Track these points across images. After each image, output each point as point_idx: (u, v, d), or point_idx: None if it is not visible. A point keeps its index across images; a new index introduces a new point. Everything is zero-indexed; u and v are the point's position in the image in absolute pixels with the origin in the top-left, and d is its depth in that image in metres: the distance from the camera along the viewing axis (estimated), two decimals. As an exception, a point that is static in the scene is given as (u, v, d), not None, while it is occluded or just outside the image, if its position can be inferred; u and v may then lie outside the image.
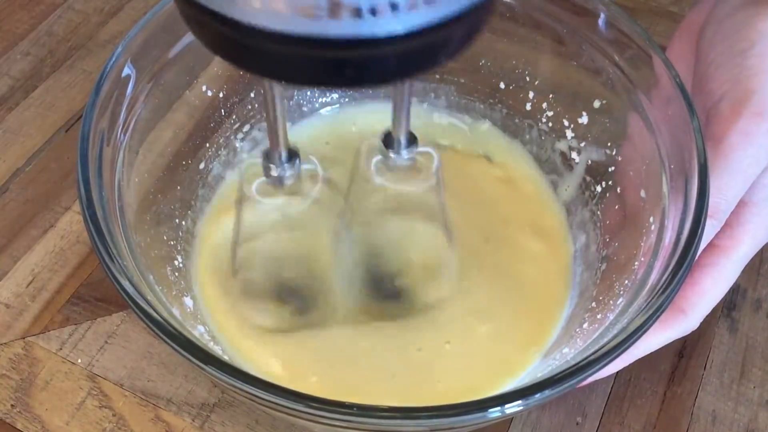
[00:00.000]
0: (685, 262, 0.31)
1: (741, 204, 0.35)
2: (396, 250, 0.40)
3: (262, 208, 0.36)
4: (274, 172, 0.34)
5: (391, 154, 0.34)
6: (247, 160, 0.36)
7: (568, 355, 0.34)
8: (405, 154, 0.34)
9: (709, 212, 0.33)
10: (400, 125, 0.33)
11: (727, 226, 0.35)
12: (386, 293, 0.40)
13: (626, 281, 0.35)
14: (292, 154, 0.34)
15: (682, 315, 0.35)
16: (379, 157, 0.35)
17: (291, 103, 0.47)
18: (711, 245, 0.35)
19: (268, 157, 0.33)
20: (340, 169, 0.40)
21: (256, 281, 0.40)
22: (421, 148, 0.34)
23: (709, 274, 0.35)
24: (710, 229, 0.34)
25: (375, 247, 0.40)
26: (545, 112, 0.44)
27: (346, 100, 0.48)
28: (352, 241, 0.39)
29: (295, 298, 0.40)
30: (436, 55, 0.23)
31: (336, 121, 0.48)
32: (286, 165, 0.33)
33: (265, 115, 0.30)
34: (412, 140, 0.34)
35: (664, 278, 0.31)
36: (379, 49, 0.21)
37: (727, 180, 0.34)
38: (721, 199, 0.34)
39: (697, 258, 0.34)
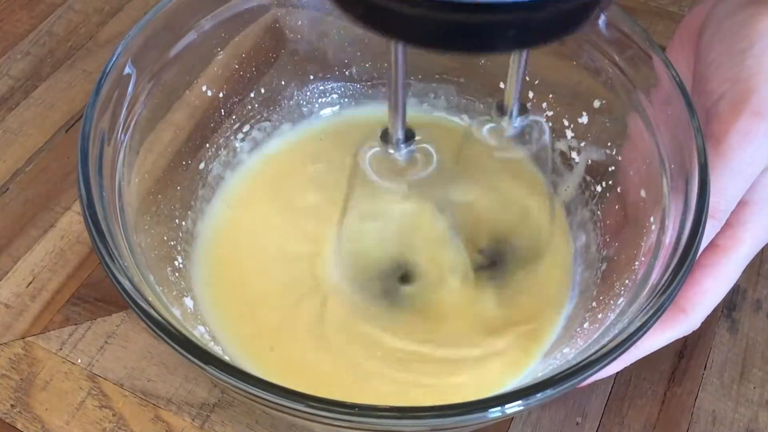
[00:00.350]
0: (685, 262, 0.31)
1: (741, 204, 0.35)
2: (497, 224, 0.42)
3: (373, 186, 0.36)
4: (392, 151, 0.34)
5: (502, 123, 0.35)
6: (363, 141, 0.36)
7: (569, 354, 0.34)
8: (516, 122, 0.35)
9: (708, 212, 0.33)
10: (513, 93, 0.34)
11: (728, 226, 0.35)
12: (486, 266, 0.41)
13: (627, 281, 0.35)
14: (409, 135, 0.34)
15: (683, 315, 0.35)
16: (492, 125, 0.36)
17: (291, 103, 0.47)
18: (712, 245, 0.35)
19: (385, 136, 0.34)
20: (328, 166, 0.42)
21: (362, 256, 0.41)
22: (532, 117, 0.36)
23: (710, 274, 0.35)
24: (710, 229, 0.34)
25: (476, 221, 0.42)
26: (545, 111, 0.44)
27: (346, 101, 0.48)
28: (455, 217, 0.41)
29: (398, 277, 0.41)
30: (584, 17, 0.23)
31: (334, 122, 0.48)
32: (402, 145, 0.34)
33: (389, 91, 0.31)
34: (522, 110, 0.35)
35: (664, 278, 0.31)
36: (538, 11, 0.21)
37: (726, 180, 0.34)
38: (721, 198, 0.34)
39: (698, 258, 0.34)
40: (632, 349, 0.33)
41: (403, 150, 0.34)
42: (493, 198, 0.42)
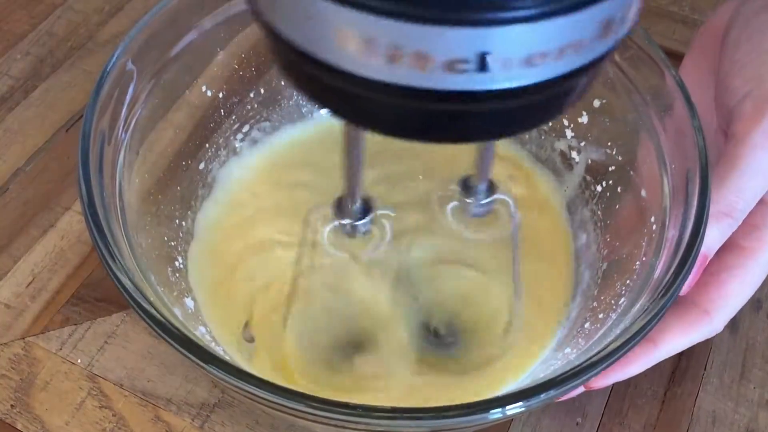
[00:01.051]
0: (687, 261, 0.31)
1: (766, 204, 0.35)
2: (458, 303, 0.40)
3: (326, 256, 0.34)
4: (345, 221, 0.32)
5: (468, 201, 0.33)
6: (313, 208, 0.34)
7: (570, 355, 0.34)
8: (483, 201, 0.33)
9: (726, 211, 0.32)
10: (482, 172, 0.32)
11: (754, 227, 0.35)
12: (442, 346, 0.39)
13: (628, 281, 0.35)
14: (366, 204, 0.32)
15: (707, 317, 0.35)
16: (455, 203, 0.34)
17: (291, 103, 0.47)
18: (737, 246, 0.35)
19: (340, 205, 0.32)
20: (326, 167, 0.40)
21: (312, 332, 0.39)
22: (498, 196, 0.33)
23: (735, 276, 0.34)
24: (727, 228, 0.34)
25: (436, 298, 0.39)
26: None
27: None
28: (413, 292, 0.39)
29: (351, 349, 0.39)
30: (561, 105, 0.22)
31: (333, 122, 0.48)
32: (359, 215, 0.32)
33: (345, 162, 0.28)
34: (490, 188, 0.33)
35: (666, 278, 0.31)
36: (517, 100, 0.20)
37: (747, 179, 0.33)
38: (740, 198, 0.33)
39: (722, 259, 0.34)
40: (655, 351, 0.33)
41: (361, 220, 0.32)
42: (447, 283, 0.40)
